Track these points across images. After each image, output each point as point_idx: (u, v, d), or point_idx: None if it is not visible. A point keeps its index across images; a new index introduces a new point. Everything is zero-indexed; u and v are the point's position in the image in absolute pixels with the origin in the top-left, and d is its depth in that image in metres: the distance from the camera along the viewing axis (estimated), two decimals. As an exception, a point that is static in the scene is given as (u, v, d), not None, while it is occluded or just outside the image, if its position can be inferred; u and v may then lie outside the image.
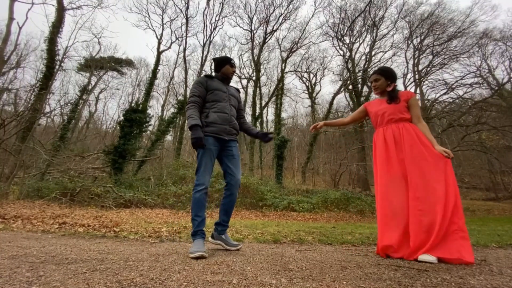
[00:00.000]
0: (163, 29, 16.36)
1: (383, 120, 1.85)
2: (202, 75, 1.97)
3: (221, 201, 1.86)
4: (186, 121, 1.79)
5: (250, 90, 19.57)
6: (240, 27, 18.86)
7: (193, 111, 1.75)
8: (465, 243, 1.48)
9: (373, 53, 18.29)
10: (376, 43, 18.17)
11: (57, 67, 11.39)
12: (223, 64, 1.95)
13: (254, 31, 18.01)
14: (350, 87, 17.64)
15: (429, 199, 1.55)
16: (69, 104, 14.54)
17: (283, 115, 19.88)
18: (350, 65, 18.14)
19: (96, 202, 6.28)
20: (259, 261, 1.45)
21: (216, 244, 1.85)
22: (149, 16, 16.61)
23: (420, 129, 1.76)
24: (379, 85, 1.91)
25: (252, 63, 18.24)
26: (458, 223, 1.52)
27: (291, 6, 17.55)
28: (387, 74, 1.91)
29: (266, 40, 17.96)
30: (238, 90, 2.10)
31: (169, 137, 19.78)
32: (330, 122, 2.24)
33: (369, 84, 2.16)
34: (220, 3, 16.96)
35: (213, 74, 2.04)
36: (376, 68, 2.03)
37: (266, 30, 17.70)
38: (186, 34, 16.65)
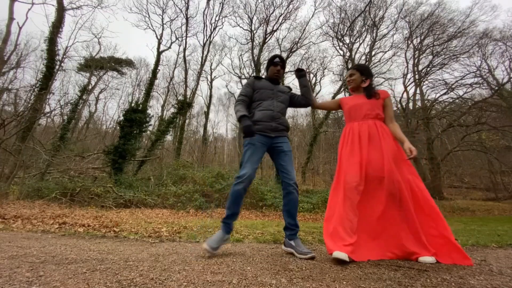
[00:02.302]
0: (163, 29, 16.40)
1: (359, 115, 1.79)
2: (251, 77, 2.06)
3: (282, 203, 1.80)
4: (235, 114, 1.86)
5: (250, 90, 19.58)
6: (240, 27, 18.85)
7: (240, 106, 1.84)
8: (451, 248, 1.43)
9: (373, 53, 18.27)
10: (376, 43, 18.14)
11: (57, 67, 11.37)
12: (268, 66, 2.03)
13: (254, 31, 17.98)
14: (350, 87, 17.62)
15: (407, 200, 1.53)
16: (69, 104, 14.55)
17: (283, 115, 19.84)
18: (350, 65, 18.13)
19: (96, 202, 6.28)
20: (259, 261, 1.44)
21: (288, 252, 1.71)
22: (149, 16, 16.71)
23: (392, 129, 1.75)
24: (353, 79, 1.90)
25: (252, 63, 18.20)
26: (437, 228, 1.48)
27: (291, 6, 17.52)
28: (362, 70, 1.90)
29: (266, 40, 17.92)
30: (289, 87, 2.11)
31: (169, 137, 19.78)
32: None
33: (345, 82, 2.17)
34: (220, 3, 16.99)
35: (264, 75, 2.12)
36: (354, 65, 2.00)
37: (266, 30, 17.67)
38: (186, 34, 16.68)
